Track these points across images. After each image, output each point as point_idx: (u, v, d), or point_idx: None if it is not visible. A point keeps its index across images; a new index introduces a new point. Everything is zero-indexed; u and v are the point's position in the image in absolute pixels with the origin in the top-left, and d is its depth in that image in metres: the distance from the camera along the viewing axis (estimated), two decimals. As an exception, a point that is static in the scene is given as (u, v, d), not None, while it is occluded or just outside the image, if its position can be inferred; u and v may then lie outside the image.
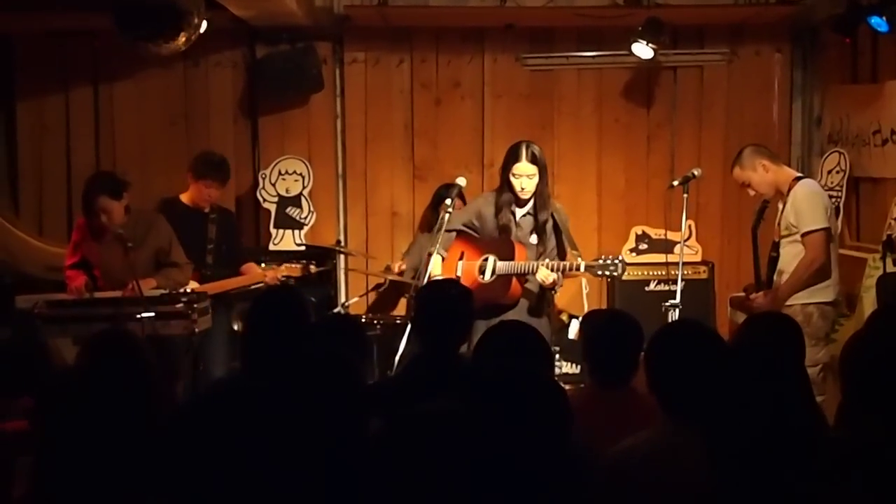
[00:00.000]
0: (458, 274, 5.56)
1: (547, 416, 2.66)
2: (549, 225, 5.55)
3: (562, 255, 5.55)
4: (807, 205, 5.31)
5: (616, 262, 5.27)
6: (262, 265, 6.47)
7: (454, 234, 5.69)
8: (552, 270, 5.32)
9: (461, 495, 2.34)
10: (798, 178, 5.50)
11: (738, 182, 5.60)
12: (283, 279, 6.37)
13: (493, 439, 2.56)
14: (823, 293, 5.32)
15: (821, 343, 5.27)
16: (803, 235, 5.27)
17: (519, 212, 5.56)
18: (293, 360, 3.01)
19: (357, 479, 2.53)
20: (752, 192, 5.55)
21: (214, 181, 6.35)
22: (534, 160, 5.45)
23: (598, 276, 5.38)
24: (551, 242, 5.57)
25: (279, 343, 3.71)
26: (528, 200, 5.53)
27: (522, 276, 5.46)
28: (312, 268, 6.56)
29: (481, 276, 5.52)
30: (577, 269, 5.30)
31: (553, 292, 5.59)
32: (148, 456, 2.87)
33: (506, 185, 5.54)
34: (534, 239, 5.54)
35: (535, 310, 5.53)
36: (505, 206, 5.55)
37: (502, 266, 5.46)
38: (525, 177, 5.45)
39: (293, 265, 6.50)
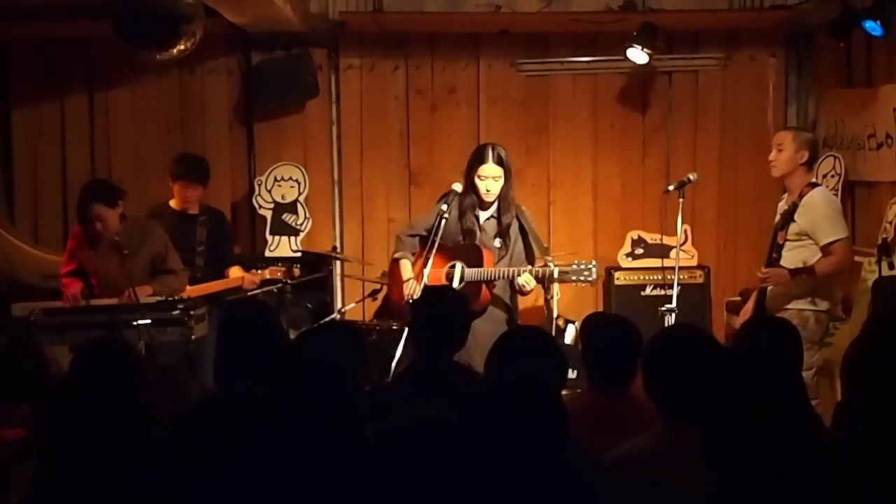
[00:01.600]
0: (425, 281, 5.37)
1: (542, 424, 2.66)
2: (514, 228, 5.49)
3: (530, 258, 5.48)
4: (826, 214, 5.26)
5: (590, 267, 5.19)
6: (259, 271, 6.33)
7: (417, 238, 5.61)
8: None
9: (456, 502, 2.33)
10: (812, 185, 5.43)
11: (776, 141, 5.42)
12: (259, 284, 6.25)
13: (486, 445, 2.56)
14: (819, 303, 5.31)
15: (814, 347, 5.26)
16: (828, 245, 5.22)
17: (483, 215, 5.51)
18: (290, 365, 3.00)
19: (352, 486, 2.53)
20: (772, 158, 5.41)
21: (192, 181, 6.26)
22: (500, 162, 5.40)
23: (573, 282, 5.28)
24: (518, 246, 5.51)
25: (245, 359, 3.62)
26: (492, 204, 5.50)
27: (491, 283, 5.42)
28: (296, 271, 6.49)
29: (450, 284, 5.45)
30: (552, 276, 5.22)
31: (547, 296, 5.53)
32: (144, 464, 2.87)
33: (470, 188, 5.49)
34: (497, 242, 5.49)
35: (510, 316, 5.49)
36: (469, 210, 5.49)
37: (471, 273, 5.39)
38: (491, 179, 5.40)
39: (277, 268, 6.40)
